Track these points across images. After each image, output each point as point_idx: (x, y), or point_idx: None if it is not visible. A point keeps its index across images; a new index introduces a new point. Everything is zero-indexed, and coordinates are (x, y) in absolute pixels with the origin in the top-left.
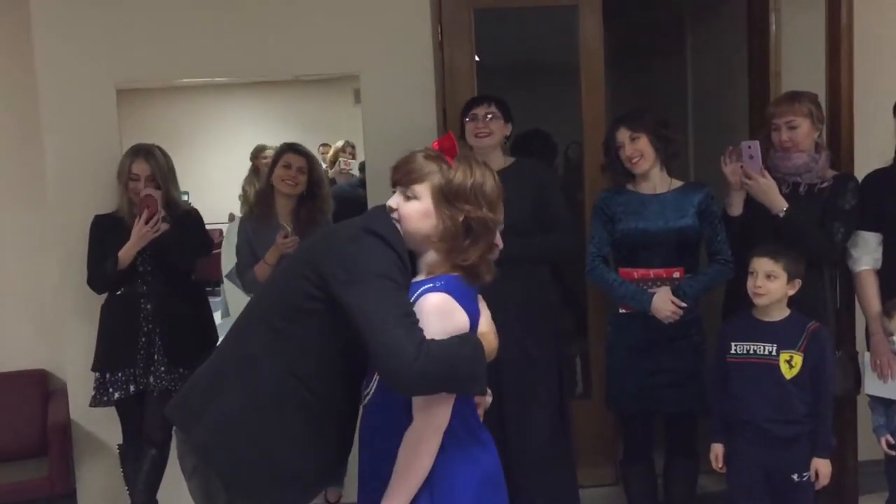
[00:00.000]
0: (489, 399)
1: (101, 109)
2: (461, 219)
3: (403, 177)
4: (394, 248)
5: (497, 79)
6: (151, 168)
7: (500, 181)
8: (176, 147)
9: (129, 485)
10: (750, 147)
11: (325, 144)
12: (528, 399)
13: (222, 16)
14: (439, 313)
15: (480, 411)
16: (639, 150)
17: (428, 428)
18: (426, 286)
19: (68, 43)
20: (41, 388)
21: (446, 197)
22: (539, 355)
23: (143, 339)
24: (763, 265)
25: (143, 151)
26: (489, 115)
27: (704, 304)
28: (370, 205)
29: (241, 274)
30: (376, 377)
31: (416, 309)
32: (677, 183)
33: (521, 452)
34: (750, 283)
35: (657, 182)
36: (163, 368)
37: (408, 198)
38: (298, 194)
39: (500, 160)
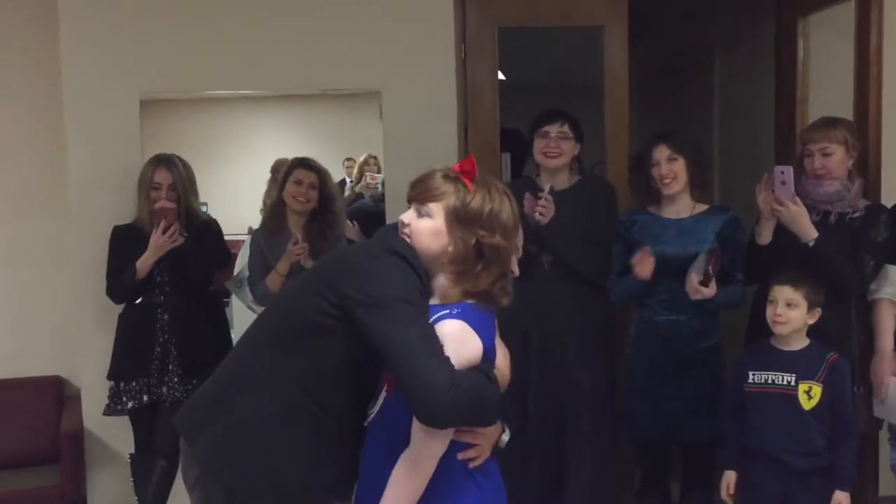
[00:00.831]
0: (506, 437)
1: (125, 120)
2: (473, 242)
3: (419, 194)
4: (414, 268)
5: (520, 97)
6: (173, 177)
7: (515, 208)
8: (198, 158)
9: (138, 495)
10: (783, 172)
11: (349, 159)
12: (571, 430)
13: (247, 29)
14: (455, 341)
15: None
16: (674, 171)
17: (424, 453)
18: (442, 312)
19: (94, 53)
20: (56, 394)
21: (460, 219)
22: (588, 383)
23: (158, 350)
24: (783, 293)
25: (165, 161)
26: (561, 134)
27: (725, 331)
28: (388, 220)
29: (253, 286)
30: (383, 396)
31: None
32: (701, 207)
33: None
34: (769, 312)
35: (681, 206)
36: (176, 379)
37: (421, 215)
38: (310, 210)
39: (566, 179)
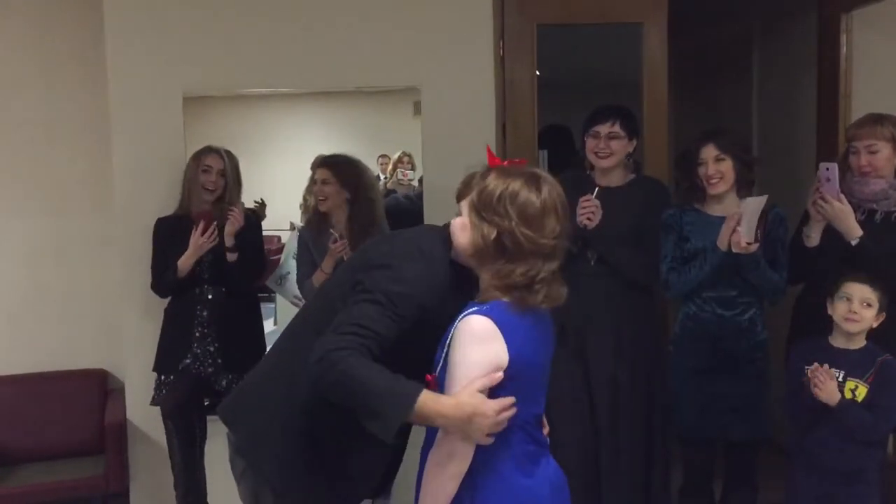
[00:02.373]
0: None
1: (168, 116)
2: (494, 235)
3: (458, 192)
4: (430, 266)
5: (558, 94)
6: (224, 164)
7: (546, 198)
8: (238, 154)
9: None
10: (828, 169)
11: (383, 155)
12: (612, 434)
13: (286, 28)
14: (475, 338)
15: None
16: (721, 171)
17: (444, 452)
18: (471, 309)
19: (139, 52)
20: (100, 387)
21: (478, 209)
22: (628, 386)
23: (195, 345)
24: (862, 291)
25: (215, 150)
26: (612, 134)
27: (770, 329)
28: (426, 218)
29: (301, 283)
30: None
31: (456, 329)
32: (715, 192)
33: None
34: (842, 309)
35: (728, 205)
36: (211, 370)
37: (458, 214)
38: (343, 204)
39: (620, 177)
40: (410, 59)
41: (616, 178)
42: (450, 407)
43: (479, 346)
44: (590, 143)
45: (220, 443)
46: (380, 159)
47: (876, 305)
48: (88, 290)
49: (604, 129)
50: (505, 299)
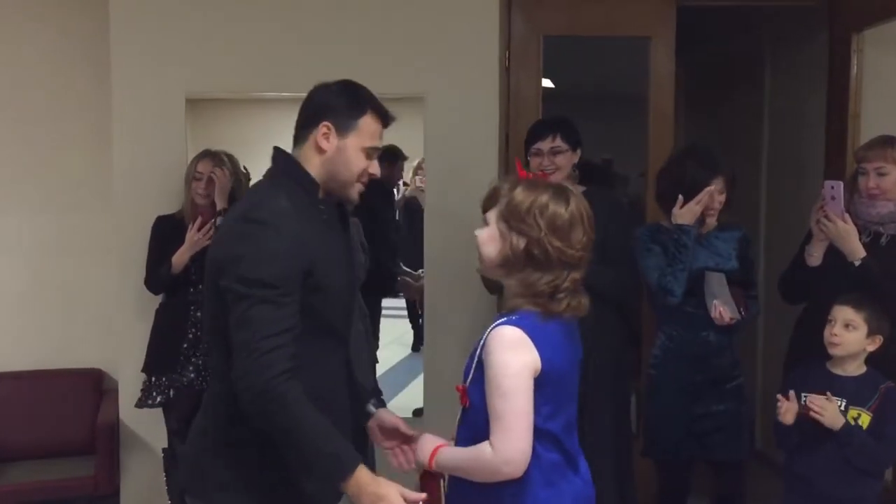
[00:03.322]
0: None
1: (170, 117)
2: (523, 245)
3: (483, 204)
4: (279, 228)
5: (563, 105)
6: (221, 167)
7: (574, 209)
8: (242, 157)
9: (169, 488)
10: (833, 187)
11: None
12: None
13: (289, 33)
14: (509, 346)
15: None
16: (720, 201)
17: (475, 470)
18: (500, 320)
19: (143, 54)
20: (95, 386)
21: (506, 219)
22: (594, 406)
23: (186, 345)
24: (843, 313)
25: (211, 154)
26: (554, 149)
27: (740, 348)
28: (427, 226)
29: None
30: (460, 408)
31: (488, 340)
32: (711, 222)
33: None
34: (827, 331)
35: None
36: (190, 367)
37: (484, 225)
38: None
39: None
40: (415, 68)
41: None
42: (369, 495)
43: (513, 353)
44: (533, 161)
45: None
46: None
47: (862, 328)
48: (87, 288)
49: (545, 144)
50: (531, 308)
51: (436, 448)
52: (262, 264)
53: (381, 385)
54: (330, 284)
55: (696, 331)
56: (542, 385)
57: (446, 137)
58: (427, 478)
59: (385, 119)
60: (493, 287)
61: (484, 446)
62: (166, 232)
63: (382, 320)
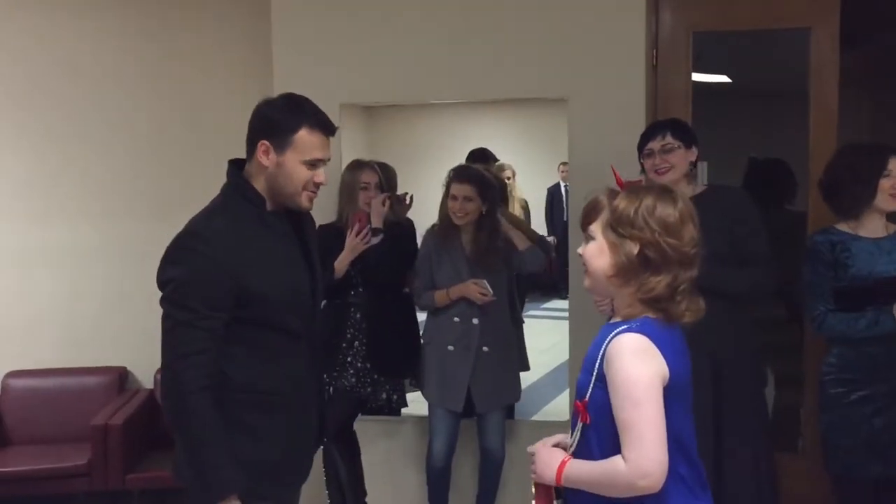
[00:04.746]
0: None
1: None
2: (636, 251)
3: (583, 219)
4: (207, 252)
5: (713, 103)
6: (378, 178)
7: (681, 207)
8: (408, 162)
9: (328, 487)
10: None
11: (565, 163)
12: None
13: (438, 41)
14: (636, 354)
15: None
16: None
17: (605, 486)
18: (621, 328)
19: (303, 60)
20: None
21: (613, 228)
22: (731, 414)
23: (345, 346)
24: None
25: (367, 164)
26: (665, 147)
27: None
28: (571, 226)
29: (419, 294)
30: (579, 426)
31: (609, 350)
32: (891, 227)
33: None
34: None
35: (877, 225)
36: (351, 371)
37: (587, 240)
38: (474, 221)
39: (687, 191)
40: (559, 70)
41: (683, 192)
42: None
43: (640, 361)
44: (646, 163)
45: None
46: (561, 166)
47: None
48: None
49: (656, 144)
50: (651, 315)
51: (562, 462)
52: (188, 288)
53: (546, 387)
54: (269, 292)
55: (880, 342)
56: (673, 393)
57: (591, 140)
58: (542, 489)
59: (326, 130)
60: None
61: (617, 460)
62: (329, 240)
63: (549, 322)
